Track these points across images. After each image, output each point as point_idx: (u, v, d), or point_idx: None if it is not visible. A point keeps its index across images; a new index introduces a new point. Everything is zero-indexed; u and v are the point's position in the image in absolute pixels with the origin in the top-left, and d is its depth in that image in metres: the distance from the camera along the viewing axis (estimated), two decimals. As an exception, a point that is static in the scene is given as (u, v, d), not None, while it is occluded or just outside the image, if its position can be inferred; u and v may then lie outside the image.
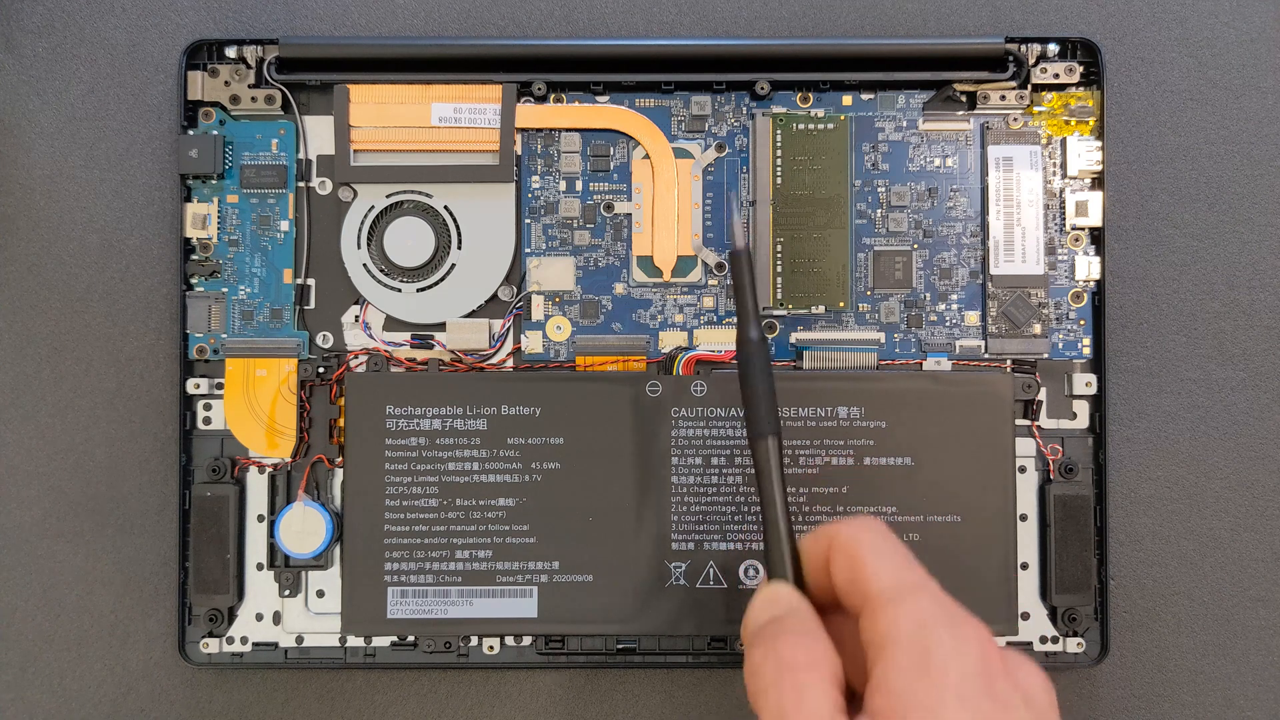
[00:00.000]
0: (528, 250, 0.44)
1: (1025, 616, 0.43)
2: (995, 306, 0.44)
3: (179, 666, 0.44)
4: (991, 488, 0.42)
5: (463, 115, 0.43)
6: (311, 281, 0.44)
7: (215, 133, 0.44)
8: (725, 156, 0.44)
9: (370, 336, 0.44)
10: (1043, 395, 0.43)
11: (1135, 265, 0.45)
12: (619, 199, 0.44)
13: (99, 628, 0.44)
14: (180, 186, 0.44)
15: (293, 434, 0.43)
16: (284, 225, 0.44)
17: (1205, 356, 0.45)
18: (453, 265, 0.44)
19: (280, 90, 0.44)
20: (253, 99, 0.44)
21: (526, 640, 0.43)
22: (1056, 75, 0.44)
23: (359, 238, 0.44)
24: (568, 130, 0.44)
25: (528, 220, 0.44)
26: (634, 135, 0.44)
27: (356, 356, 0.44)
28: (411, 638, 0.43)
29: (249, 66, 0.44)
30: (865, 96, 0.44)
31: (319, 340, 0.44)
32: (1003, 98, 0.44)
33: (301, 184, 0.44)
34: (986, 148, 0.44)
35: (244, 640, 0.43)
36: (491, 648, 0.43)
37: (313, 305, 0.44)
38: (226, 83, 0.44)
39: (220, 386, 0.43)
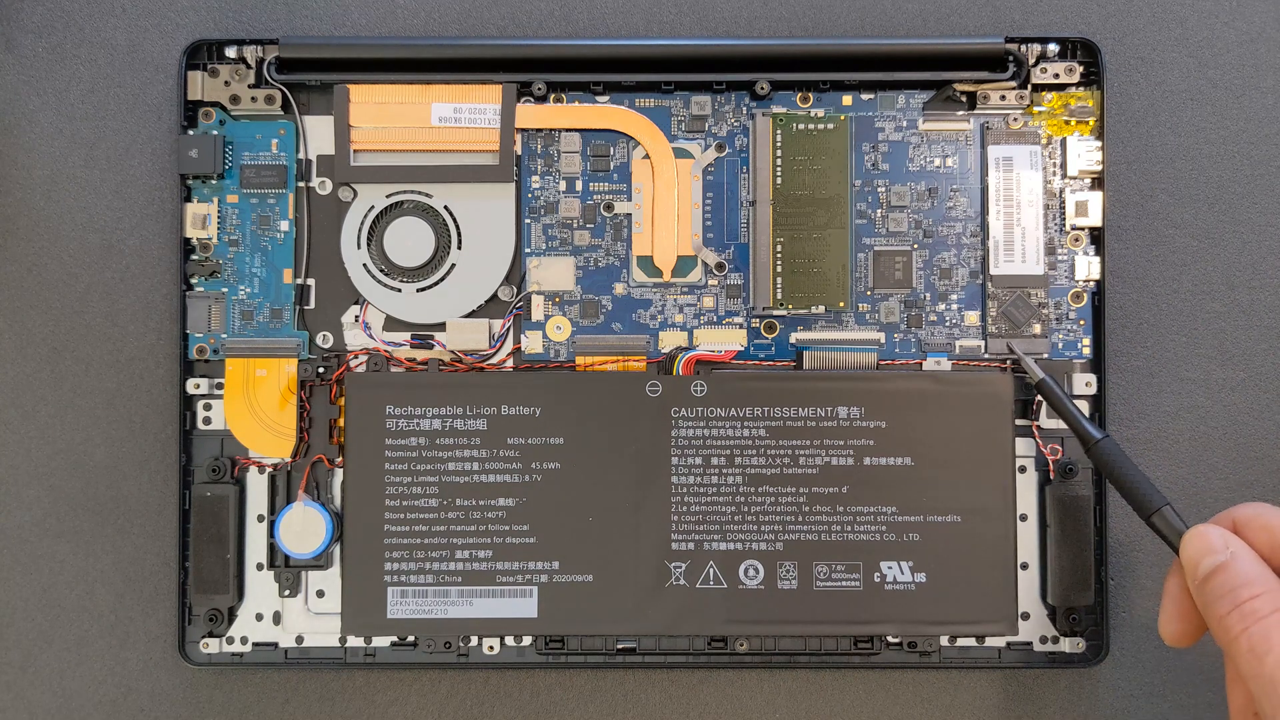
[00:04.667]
0: (528, 250, 0.44)
1: (1025, 616, 0.43)
2: (995, 306, 0.44)
3: (179, 666, 0.44)
4: (991, 488, 0.42)
5: (463, 115, 0.43)
6: (311, 281, 0.44)
7: (215, 133, 0.44)
8: (725, 156, 0.44)
9: (370, 336, 0.44)
10: (1043, 395, 0.43)
11: (1135, 265, 0.45)
12: (619, 199, 0.44)
13: (99, 628, 0.44)
14: (180, 186, 0.44)
15: (292, 434, 0.43)
16: (284, 225, 0.44)
17: (1205, 356, 0.45)
18: (453, 265, 0.44)
19: (280, 90, 0.44)
20: (253, 99, 0.44)
21: (526, 640, 0.43)
22: (1056, 75, 0.44)
23: (359, 238, 0.44)
24: (568, 130, 0.44)
25: (528, 220, 0.44)
26: (634, 135, 0.44)
27: (356, 356, 0.44)
28: (411, 638, 0.43)
29: (249, 66, 0.44)
30: (865, 96, 0.44)
31: (319, 340, 0.44)
32: (1003, 98, 0.44)
33: (301, 184, 0.44)
34: (986, 148, 0.44)
35: (244, 640, 0.43)
36: (491, 648, 0.43)
37: (313, 305, 0.44)
38: (226, 83, 0.44)
39: (220, 386, 0.43)
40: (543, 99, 0.44)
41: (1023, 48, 0.43)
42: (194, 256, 0.44)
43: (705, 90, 0.44)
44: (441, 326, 0.44)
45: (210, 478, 0.43)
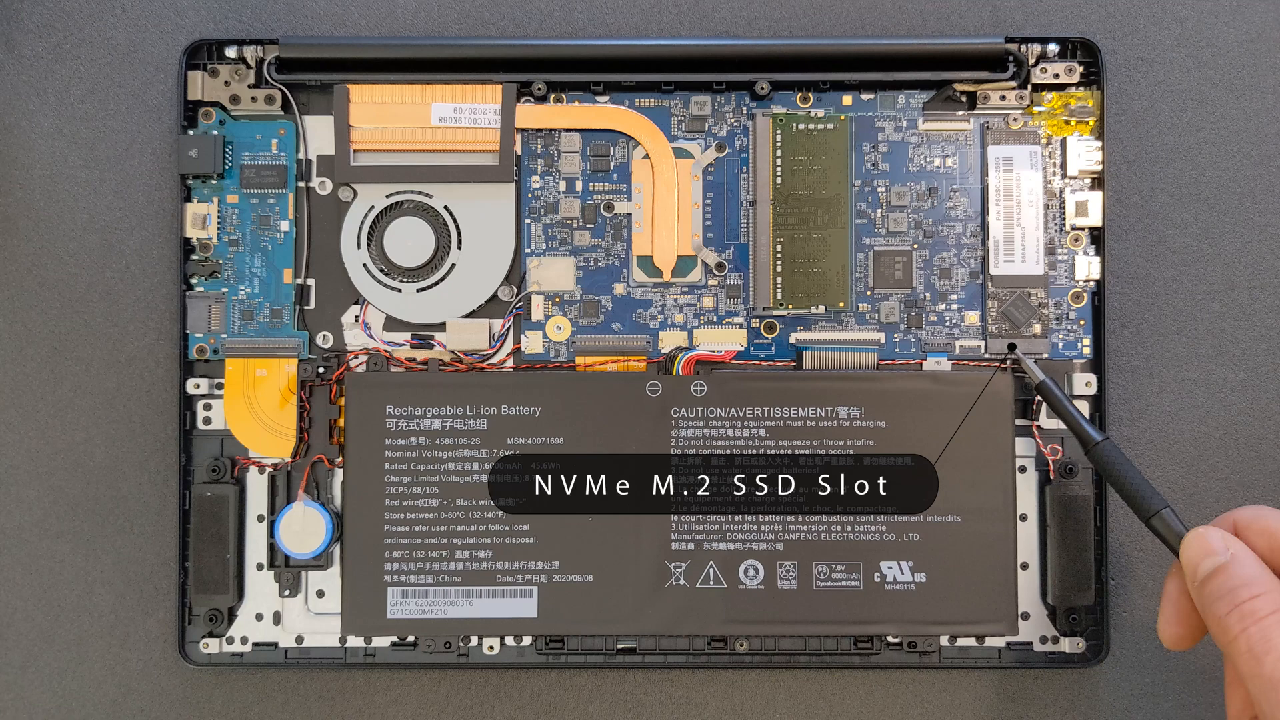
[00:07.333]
0: (528, 250, 0.44)
1: (1025, 616, 0.43)
2: (995, 306, 0.44)
3: (179, 666, 0.44)
4: (991, 488, 0.42)
5: (463, 115, 0.43)
6: (311, 281, 0.44)
7: (215, 133, 0.44)
8: (725, 156, 0.44)
9: (370, 336, 0.44)
10: (1043, 395, 0.43)
11: (1135, 265, 0.45)
12: (619, 199, 0.44)
13: (99, 628, 0.44)
14: (180, 186, 0.44)
15: (293, 434, 0.43)
16: (284, 225, 0.44)
17: (1205, 356, 0.45)
18: (453, 265, 0.44)
19: (280, 90, 0.44)
20: (253, 99, 0.44)
21: (526, 640, 0.43)
22: (1056, 75, 0.44)
23: (359, 238, 0.44)
24: (568, 130, 0.44)
25: (528, 220, 0.44)
26: (634, 135, 0.44)
27: (356, 356, 0.44)
28: (411, 638, 0.43)
29: (249, 66, 0.44)
30: (865, 96, 0.44)
31: (319, 340, 0.44)
32: (1003, 98, 0.44)
33: (301, 184, 0.44)
34: (986, 148, 0.44)
35: (244, 640, 0.43)
36: (491, 648, 0.43)
37: (313, 305, 0.44)
38: (226, 83, 0.44)
39: (220, 386, 0.44)
40: (543, 99, 0.44)
41: (1023, 48, 0.43)
42: (194, 256, 0.44)
43: (705, 90, 0.44)
44: (441, 326, 0.44)
45: (210, 478, 0.43)
